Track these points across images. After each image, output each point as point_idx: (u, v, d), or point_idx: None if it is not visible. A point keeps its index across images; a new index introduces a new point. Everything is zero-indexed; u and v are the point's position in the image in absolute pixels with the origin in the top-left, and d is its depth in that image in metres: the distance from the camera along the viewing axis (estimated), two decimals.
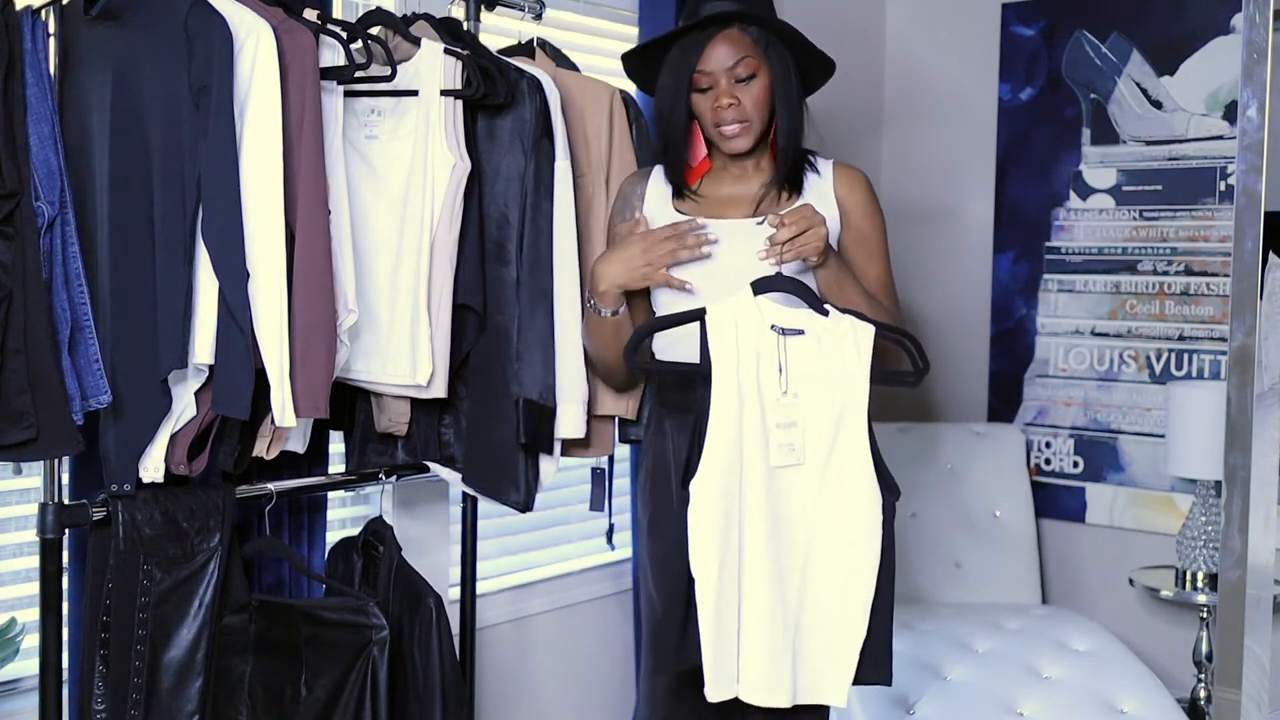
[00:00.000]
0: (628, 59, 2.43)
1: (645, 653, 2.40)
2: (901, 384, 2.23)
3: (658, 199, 2.40)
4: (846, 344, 2.14)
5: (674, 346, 2.27)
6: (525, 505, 2.46)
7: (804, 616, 2.14)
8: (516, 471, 2.43)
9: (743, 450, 2.11)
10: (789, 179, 2.34)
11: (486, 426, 2.43)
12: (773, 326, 2.13)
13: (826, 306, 2.16)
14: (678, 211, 2.37)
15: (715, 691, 2.12)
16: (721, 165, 2.39)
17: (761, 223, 2.20)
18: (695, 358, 2.15)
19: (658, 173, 2.42)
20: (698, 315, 2.15)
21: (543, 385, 2.41)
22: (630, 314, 2.38)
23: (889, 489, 2.15)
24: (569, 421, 2.46)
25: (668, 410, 2.36)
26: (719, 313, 2.14)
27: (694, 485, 2.10)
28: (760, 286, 2.15)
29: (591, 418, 2.53)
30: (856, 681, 2.16)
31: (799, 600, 2.14)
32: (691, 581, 2.11)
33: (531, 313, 2.41)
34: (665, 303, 2.34)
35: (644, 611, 2.42)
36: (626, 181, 2.47)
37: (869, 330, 2.16)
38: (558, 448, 2.49)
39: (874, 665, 2.15)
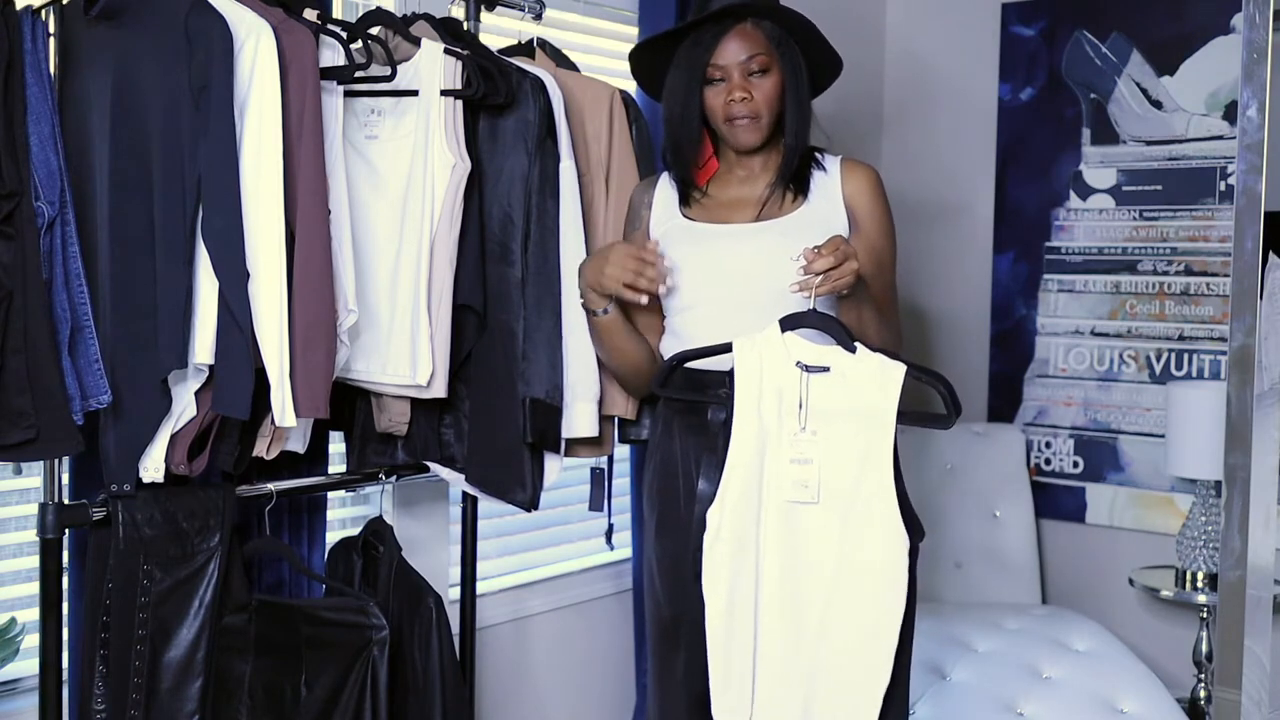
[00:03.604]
0: (638, 52, 2.42)
1: (651, 654, 2.40)
2: (934, 426, 2.15)
3: (665, 206, 2.39)
4: (873, 384, 2.08)
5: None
6: (531, 504, 2.46)
7: (823, 655, 2.10)
8: (523, 470, 2.43)
9: (761, 484, 2.10)
10: (795, 179, 2.33)
11: (490, 426, 2.43)
12: (798, 363, 2.11)
13: (855, 344, 2.11)
14: (685, 217, 2.36)
15: (722, 716, 2.13)
16: (728, 168, 2.38)
17: (796, 258, 2.11)
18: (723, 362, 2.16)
19: (664, 180, 2.42)
20: (725, 348, 2.15)
21: (550, 385, 2.41)
22: (637, 319, 2.37)
23: (913, 530, 2.09)
24: (582, 420, 2.46)
25: (675, 411, 2.34)
26: (745, 347, 2.13)
27: (710, 514, 2.11)
28: (789, 322, 2.13)
29: None
30: None
31: (817, 638, 2.10)
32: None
33: (538, 313, 2.41)
34: (676, 309, 2.34)
35: (649, 611, 2.41)
36: (635, 190, 2.47)
37: (899, 370, 2.09)
38: (563, 447, 2.48)
39: (895, 711, 2.12)
